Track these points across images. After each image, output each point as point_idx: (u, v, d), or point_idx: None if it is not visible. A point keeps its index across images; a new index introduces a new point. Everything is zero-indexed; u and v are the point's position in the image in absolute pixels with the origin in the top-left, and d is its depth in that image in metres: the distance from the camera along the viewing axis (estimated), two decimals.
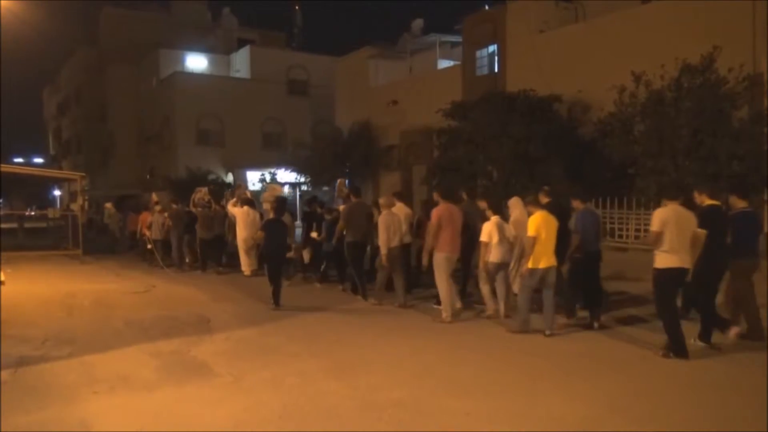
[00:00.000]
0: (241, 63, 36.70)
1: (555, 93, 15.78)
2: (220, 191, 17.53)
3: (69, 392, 5.30)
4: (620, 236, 13.67)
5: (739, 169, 11.68)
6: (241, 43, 38.85)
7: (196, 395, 5.23)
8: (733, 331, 6.43)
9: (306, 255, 11.93)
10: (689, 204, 6.63)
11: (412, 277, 9.93)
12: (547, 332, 7.14)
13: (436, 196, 8.86)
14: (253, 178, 30.49)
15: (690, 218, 6.26)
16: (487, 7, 21.76)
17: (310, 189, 25.97)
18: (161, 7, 42.77)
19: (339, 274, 10.96)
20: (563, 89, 15.85)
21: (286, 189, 29.36)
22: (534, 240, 7.03)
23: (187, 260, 14.28)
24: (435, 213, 8.14)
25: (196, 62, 37.09)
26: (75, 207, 19.27)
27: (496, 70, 19.58)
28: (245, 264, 12.64)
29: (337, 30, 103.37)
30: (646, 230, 13.04)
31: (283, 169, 27.70)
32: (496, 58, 19.61)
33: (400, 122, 22.98)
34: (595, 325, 7.50)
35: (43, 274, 13.58)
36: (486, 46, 20.07)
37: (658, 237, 6.14)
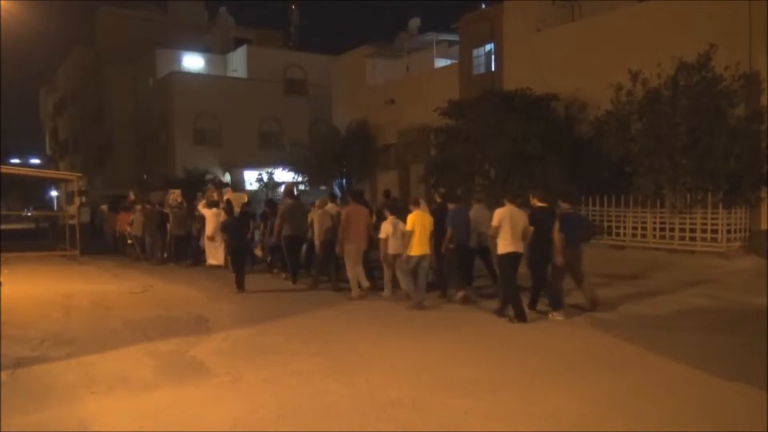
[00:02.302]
0: (238, 62, 36.68)
1: (552, 91, 15.79)
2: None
3: (67, 393, 5.30)
4: (617, 234, 13.69)
5: (735, 167, 11.72)
6: (237, 43, 38.82)
7: (195, 395, 5.23)
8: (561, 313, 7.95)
9: (259, 251, 13.21)
10: (527, 205, 8.45)
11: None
12: (422, 303, 8.73)
13: (350, 197, 10.46)
14: (251, 178, 30.45)
15: (522, 216, 8.02)
16: (484, 6, 21.76)
17: (307, 188, 25.93)
18: (158, 7, 42.74)
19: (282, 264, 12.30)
20: (560, 88, 15.85)
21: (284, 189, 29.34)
22: (411, 234, 8.62)
23: (164, 255, 15.47)
24: (344, 212, 9.91)
25: (193, 62, 37.05)
26: (72, 208, 19.44)
27: (493, 68, 19.57)
28: (211, 257, 13.88)
29: (334, 29, 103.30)
30: (643, 228, 13.13)
31: (280, 169, 27.67)
32: (493, 56, 19.60)
33: (398, 121, 22.96)
34: (463, 296, 9.05)
35: (41, 275, 13.56)
36: (483, 44, 20.06)
37: (497, 230, 7.90)
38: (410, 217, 8.71)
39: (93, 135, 42.92)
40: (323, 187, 24.64)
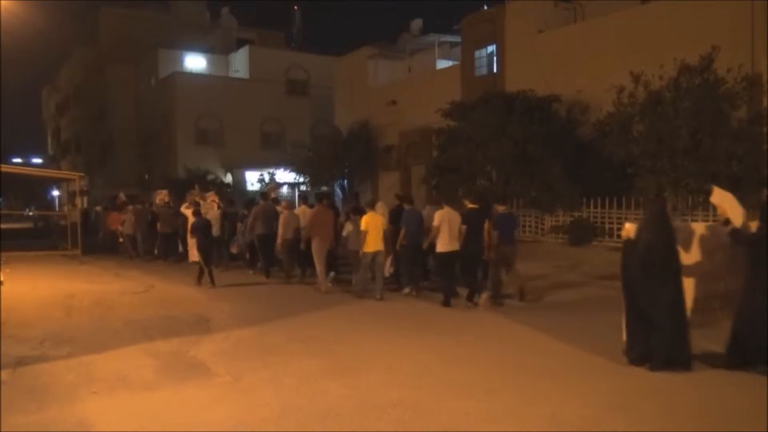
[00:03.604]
0: (240, 63, 36.67)
1: (554, 93, 15.79)
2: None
3: (68, 392, 5.30)
4: (619, 236, 13.65)
5: (737, 170, 11.69)
6: (240, 43, 38.80)
7: (195, 395, 5.23)
8: (485, 295, 9.04)
9: (234, 248, 13.95)
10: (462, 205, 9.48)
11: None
12: (378, 297, 9.63)
13: (315, 200, 11.77)
14: (252, 178, 30.45)
15: (457, 217, 9.01)
16: (486, 7, 21.76)
17: (308, 189, 25.95)
18: (160, 7, 42.73)
19: (251, 261, 13.18)
20: (562, 89, 15.85)
21: (285, 189, 29.42)
22: (366, 234, 9.58)
23: (155, 252, 16.32)
24: (311, 213, 11.02)
25: (195, 62, 37.04)
26: (67, 208, 19.86)
27: (495, 70, 19.59)
28: (192, 254, 14.42)
29: (337, 30, 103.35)
30: None
31: (282, 169, 27.70)
32: (495, 58, 19.61)
33: (400, 122, 22.97)
34: (413, 293, 9.94)
35: (42, 275, 13.57)
36: (485, 46, 20.08)
37: (438, 230, 8.93)
38: (364, 219, 9.77)
39: (95, 135, 42.92)
40: (325, 188, 24.68)
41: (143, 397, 5.18)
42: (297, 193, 28.83)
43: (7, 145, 50.18)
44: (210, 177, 29.03)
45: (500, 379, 5.58)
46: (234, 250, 13.78)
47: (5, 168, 17.18)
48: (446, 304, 8.99)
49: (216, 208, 13.92)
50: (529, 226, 14.80)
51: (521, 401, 4.99)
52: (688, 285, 5.93)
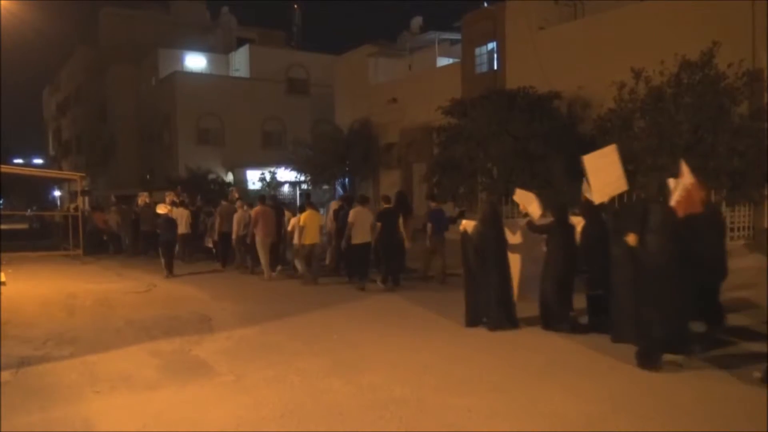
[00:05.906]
0: (240, 62, 36.64)
1: (555, 90, 15.74)
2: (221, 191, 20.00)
3: (71, 392, 5.32)
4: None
5: (739, 165, 11.67)
6: (240, 42, 38.76)
7: (198, 394, 5.24)
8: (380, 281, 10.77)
9: (210, 242, 15.42)
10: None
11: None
12: (316, 280, 11.32)
13: (258, 201, 13.13)
14: (253, 177, 30.46)
15: (368, 214, 10.84)
16: (486, 5, 21.71)
17: (309, 188, 25.94)
18: (160, 7, 42.67)
19: (220, 256, 14.47)
20: (563, 86, 15.81)
21: (286, 188, 29.46)
22: (302, 228, 11.31)
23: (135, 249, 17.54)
24: (254, 212, 12.40)
25: (196, 62, 37.02)
26: (57, 210, 20.68)
27: (495, 67, 19.54)
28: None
29: (337, 28, 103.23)
30: None
31: (283, 168, 27.68)
32: (496, 55, 19.56)
33: (400, 120, 22.93)
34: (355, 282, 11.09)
35: (44, 275, 13.59)
36: (485, 43, 20.03)
37: (352, 225, 10.62)
38: (302, 216, 11.42)
39: (96, 135, 42.91)
40: (326, 187, 24.67)
41: (146, 396, 5.20)
42: (299, 192, 28.84)
43: (8, 145, 50.22)
44: (211, 176, 29.02)
45: (503, 377, 5.59)
46: (209, 244, 15.27)
47: (6, 168, 17.23)
48: (360, 287, 10.59)
49: (170, 207, 14.56)
50: None
51: (524, 399, 4.99)
52: (514, 267, 7.67)
